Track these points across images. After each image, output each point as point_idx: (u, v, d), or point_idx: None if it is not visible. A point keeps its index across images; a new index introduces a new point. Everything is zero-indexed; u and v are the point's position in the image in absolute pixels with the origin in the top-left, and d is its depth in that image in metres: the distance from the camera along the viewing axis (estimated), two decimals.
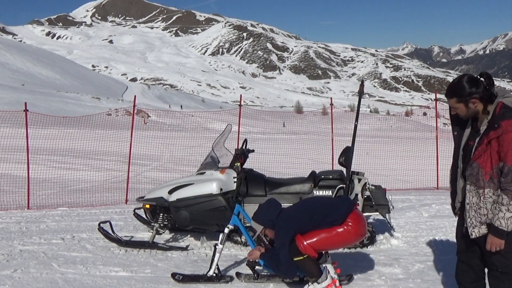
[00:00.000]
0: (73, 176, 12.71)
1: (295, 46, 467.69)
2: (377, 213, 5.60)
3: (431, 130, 18.30)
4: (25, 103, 9.65)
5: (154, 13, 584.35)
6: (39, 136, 13.05)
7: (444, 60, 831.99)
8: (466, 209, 3.09)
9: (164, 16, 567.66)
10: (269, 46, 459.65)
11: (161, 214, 5.62)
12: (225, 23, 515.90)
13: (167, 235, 6.10)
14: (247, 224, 4.90)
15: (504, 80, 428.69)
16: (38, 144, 13.22)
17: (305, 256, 3.72)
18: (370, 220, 6.38)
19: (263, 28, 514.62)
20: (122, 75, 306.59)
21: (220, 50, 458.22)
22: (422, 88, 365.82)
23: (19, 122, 11.47)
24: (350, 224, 3.73)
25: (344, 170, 5.41)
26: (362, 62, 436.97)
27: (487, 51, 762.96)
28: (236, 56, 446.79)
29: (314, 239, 3.72)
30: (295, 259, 3.72)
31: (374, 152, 15.50)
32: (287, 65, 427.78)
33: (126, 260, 5.13)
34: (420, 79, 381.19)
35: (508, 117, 2.87)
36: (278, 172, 11.85)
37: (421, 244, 5.67)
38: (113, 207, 8.55)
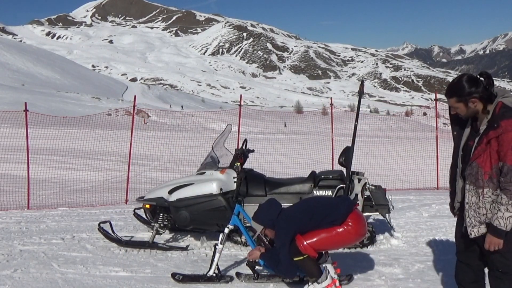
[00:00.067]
0: (73, 176, 12.71)
1: (295, 46, 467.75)
2: (377, 213, 5.60)
3: (431, 130, 18.30)
4: (25, 103, 9.66)
5: (154, 13, 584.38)
6: (39, 136, 13.04)
7: (444, 60, 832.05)
8: (466, 208, 3.09)
9: (164, 16, 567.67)
10: (269, 46, 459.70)
11: (161, 214, 5.62)
12: (225, 23, 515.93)
13: (167, 235, 6.10)
14: (247, 224, 4.90)
15: (504, 80, 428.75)
16: (38, 144, 13.21)
17: (305, 256, 3.72)
18: (370, 220, 6.38)
19: (263, 28, 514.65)
20: (122, 75, 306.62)
21: (220, 50, 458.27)
22: (422, 88, 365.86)
23: (19, 122, 11.47)
24: (350, 224, 3.73)
25: (344, 170, 5.41)
26: (362, 62, 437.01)
27: (487, 51, 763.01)
28: (236, 56, 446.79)
29: (314, 239, 3.72)
30: (295, 259, 3.72)
31: (374, 152, 15.50)
32: (287, 65, 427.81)
33: (126, 260, 5.13)
34: (420, 79, 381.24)
35: (508, 117, 2.87)
36: (278, 172, 11.85)
37: (421, 244, 5.67)
38: (113, 207, 8.55)
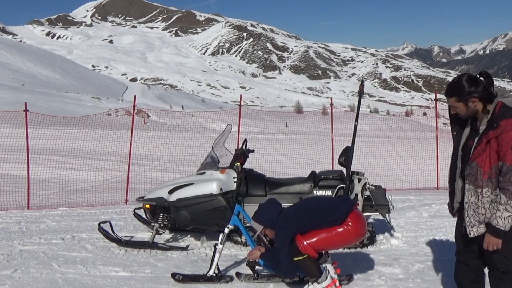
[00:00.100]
0: (73, 176, 12.71)
1: (295, 46, 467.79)
2: (377, 213, 5.60)
3: (431, 130, 18.30)
4: (25, 103, 9.65)
5: (154, 13, 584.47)
6: (39, 136, 13.04)
7: (444, 60, 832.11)
8: (465, 208, 3.09)
9: (164, 16, 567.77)
10: (269, 46, 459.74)
11: (161, 214, 5.62)
12: (225, 23, 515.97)
13: (167, 235, 6.10)
14: (247, 224, 4.89)
15: (504, 80, 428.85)
16: (38, 144, 13.21)
17: (305, 256, 3.71)
18: (370, 220, 6.38)
19: (263, 28, 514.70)
20: (122, 75, 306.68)
21: (220, 50, 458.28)
22: (422, 88, 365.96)
23: (19, 122, 11.48)
24: (350, 224, 3.73)
25: (344, 170, 5.41)
26: (362, 62, 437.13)
27: (487, 51, 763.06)
28: (236, 56, 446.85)
29: (314, 239, 3.72)
30: (295, 259, 3.72)
31: (374, 152, 15.50)
32: (287, 65, 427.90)
33: (126, 260, 5.13)
34: (420, 79, 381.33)
35: (508, 117, 2.87)
36: (278, 172, 11.85)
37: (421, 244, 5.67)
38: (113, 207, 8.55)
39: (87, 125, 20.35)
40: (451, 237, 5.31)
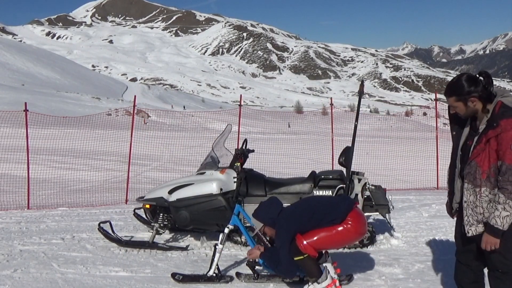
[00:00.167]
0: (73, 176, 12.71)
1: (295, 46, 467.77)
2: (377, 213, 5.60)
3: (431, 130, 18.29)
4: (25, 103, 9.66)
5: (154, 13, 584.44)
6: (39, 136, 13.04)
7: (444, 60, 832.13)
8: (464, 207, 3.09)
9: (164, 16, 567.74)
10: (269, 46, 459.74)
11: (161, 214, 5.62)
12: (225, 23, 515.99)
13: (167, 235, 6.10)
14: (247, 224, 4.90)
15: (504, 80, 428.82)
16: (38, 144, 13.21)
17: (305, 256, 3.71)
18: (370, 220, 6.39)
19: (263, 28, 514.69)
20: (122, 75, 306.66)
21: (220, 50, 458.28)
22: (422, 88, 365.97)
23: (19, 122, 11.48)
24: (350, 222, 3.73)
25: (344, 170, 5.41)
26: (362, 62, 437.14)
27: (487, 51, 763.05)
28: (236, 56, 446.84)
29: (314, 238, 3.72)
30: (295, 258, 3.72)
31: (374, 152, 15.50)
32: (287, 65, 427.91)
33: (126, 260, 5.13)
34: (420, 79, 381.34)
35: (507, 116, 2.87)
36: (278, 172, 11.85)
37: (421, 244, 5.67)
38: (113, 207, 8.55)
39: (87, 125, 20.34)
40: (451, 237, 5.32)
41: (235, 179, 5.15)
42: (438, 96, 11.62)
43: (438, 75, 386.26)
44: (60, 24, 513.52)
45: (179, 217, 5.41)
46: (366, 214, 5.42)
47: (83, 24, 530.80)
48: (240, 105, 11.41)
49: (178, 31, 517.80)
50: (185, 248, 5.56)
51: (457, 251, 3.34)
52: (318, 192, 5.46)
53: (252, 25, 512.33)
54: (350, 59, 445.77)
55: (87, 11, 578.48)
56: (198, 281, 4.43)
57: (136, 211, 6.46)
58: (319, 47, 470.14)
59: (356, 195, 5.25)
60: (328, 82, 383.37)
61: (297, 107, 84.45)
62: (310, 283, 3.83)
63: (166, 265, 4.96)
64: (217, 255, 4.40)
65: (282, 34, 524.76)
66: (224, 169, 5.50)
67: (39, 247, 5.55)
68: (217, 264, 4.42)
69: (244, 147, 5.62)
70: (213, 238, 5.60)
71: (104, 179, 12.70)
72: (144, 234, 6.19)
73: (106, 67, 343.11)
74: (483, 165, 2.94)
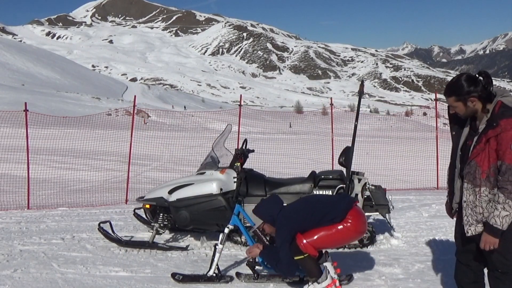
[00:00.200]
0: (73, 176, 12.71)
1: (295, 46, 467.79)
2: (377, 213, 5.60)
3: (431, 130, 18.29)
4: (25, 103, 9.66)
5: (154, 13, 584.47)
6: (39, 136, 13.05)
7: (444, 60, 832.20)
8: (463, 207, 3.10)
9: (164, 16, 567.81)
10: (269, 46, 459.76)
11: (161, 214, 5.62)
12: (225, 23, 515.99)
13: (167, 235, 6.10)
14: (247, 224, 4.90)
15: (504, 80, 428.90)
16: (38, 144, 13.21)
17: (305, 255, 3.71)
18: (370, 220, 6.39)
19: (263, 28, 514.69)
20: (122, 75, 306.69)
21: (220, 50, 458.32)
22: (422, 88, 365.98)
23: (19, 122, 11.48)
24: (350, 221, 3.72)
25: (344, 170, 5.41)
26: (362, 62, 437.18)
27: (487, 51, 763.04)
28: (236, 56, 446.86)
29: (314, 237, 3.72)
30: (295, 258, 3.72)
31: (374, 152, 15.50)
32: (287, 65, 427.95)
33: (126, 260, 5.13)
34: (420, 79, 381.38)
35: (507, 116, 2.87)
36: (278, 172, 11.85)
37: (421, 244, 5.67)
38: (113, 207, 8.55)
39: (87, 125, 20.34)
40: (451, 237, 5.32)
41: (235, 179, 5.15)
42: (438, 96, 11.62)
43: (438, 75, 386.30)
44: (60, 24, 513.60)
45: (179, 217, 5.41)
46: (366, 214, 5.42)
47: (83, 24, 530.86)
48: (240, 105, 11.41)
49: (178, 31, 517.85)
50: (185, 248, 5.56)
51: (457, 251, 3.34)
52: (318, 192, 5.45)
53: (252, 25, 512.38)
54: (350, 59, 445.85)
55: (87, 11, 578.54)
56: (198, 281, 4.43)
57: (136, 211, 6.46)
58: (319, 47, 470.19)
59: (356, 195, 5.25)
60: (328, 82, 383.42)
61: (297, 107, 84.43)
62: (310, 283, 3.83)
63: (166, 265, 4.96)
64: (217, 255, 4.40)
65: (282, 34, 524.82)
66: (224, 169, 5.50)
67: (39, 247, 5.55)
68: (217, 264, 4.42)
69: (244, 147, 5.63)
70: (213, 238, 5.60)
71: (104, 179, 12.70)
72: (144, 234, 6.19)
73: (106, 67, 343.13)
74: (482, 165, 2.94)
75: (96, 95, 73.55)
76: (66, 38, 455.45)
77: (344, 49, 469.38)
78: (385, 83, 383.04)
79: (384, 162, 13.71)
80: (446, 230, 6.14)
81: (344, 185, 5.31)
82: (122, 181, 11.10)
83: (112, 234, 5.57)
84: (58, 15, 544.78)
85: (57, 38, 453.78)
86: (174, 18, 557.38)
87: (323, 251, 3.98)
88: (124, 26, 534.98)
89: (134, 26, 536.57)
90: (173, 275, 4.49)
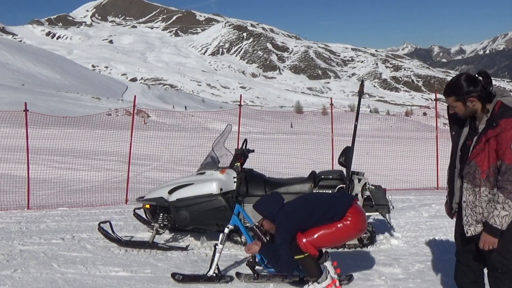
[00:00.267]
0: (73, 176, 12.70)
1: (295, 46, 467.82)
2: (377, 213, 5.60)
3: (431, 130, 18.29)
4: (25, 103, 9.65)
5: (154, 13, 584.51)
6: (39, 136, 13.05)
7: (444, 60, 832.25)
8: (463, 207, 3.09)
9: (164, 16, 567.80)
10: (269, 46, 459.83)
11: (161, 214, 5.62)
12: (225, 23, 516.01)
13: (167, 235, 6.10)
14: (247, 224, 4.90)
15: (504, 80, 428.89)
16: (38, 144, 13.21)
17: (305, 255, 3.71)
18: (370, 220, 6.39)
19: (263, 28, 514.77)
20: (122, 75, 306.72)
21: (220, 50, 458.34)
22: (422, 88, 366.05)
23: (19, 122, 11.47)
24: (349, 219, 3.72)
25: (344, 170, 5.41)
26: (362, 62, 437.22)
27: (487, 51, 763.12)
28: (236, 56, 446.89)
29: (314, 236, 3.72)
30: (295, 257, 3.72)
31: (374, 152, 15.50)
32: (287, 65, 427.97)
33: (126, 260, 5.13)
34: (420, 79, 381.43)
35: (507, 116, 2.87)
36: (278, 172, 11.85)
37: (421, 244, 5.67)
38: (113, 207, 8.55)
39: (87, 125, 20.34)
40: (451, 237, 5.32)
41: (235, 179, 5.15)
42: (438, 96, 11.61)
43: (438, 75, 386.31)
44: (60, 24, 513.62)
45: (179, 217, 5.41)
46: (366, 214, 5.42)
47: (83, 24, 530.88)
48: (240, 105, 11.42)
49: (178, 31, 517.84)
50: (185, 248, 5.56)
51: (457, 251, 3.34)
52: None
53: (252, 25, 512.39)
54: (350, 59, 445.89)
55: (87, 11, 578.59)
56: (198, 281, 4.43)
57: (136, 211, 6.46)
58: (319, 47, 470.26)
59: (356, 195, 5.26)
60: (328, 82, 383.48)
61: (297, 107, 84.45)
62: (310, 283, 3.83)
63: (166, 265, 4.96)
64: (217, 255, 4.40)
65: (282, 34, 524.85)
66: (224, 169, 5.51)
67: (39, 247, 5.55)
68: (217, 264, 4.42)
69: (244, 147, 5.63)
70: (213, 238, 5.60)
71: (104, 179, 12.70)
72: (144, 234, 6.19)
73: (106, 67, 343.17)
74: (482, 165, 2.94)
75: (96, 95, 73.57)
76: (66, 38, 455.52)
77: (344, 49, 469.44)
78: (385, 83, 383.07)
79: (384, 162, 13.71)
80: (446, 230, 6.15)
81: (344, 185, 5.31)
82: (122, 181, 11.10)
83: (112, 234, 5.57)
84: (58, 15, 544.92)
85: (57, 38, 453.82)
86: (174, 18, 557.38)
87: (323, 250, 3.97)
88: (124, 26, 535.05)
89: (134, 26, 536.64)
90: (173, 275, 4.49)
